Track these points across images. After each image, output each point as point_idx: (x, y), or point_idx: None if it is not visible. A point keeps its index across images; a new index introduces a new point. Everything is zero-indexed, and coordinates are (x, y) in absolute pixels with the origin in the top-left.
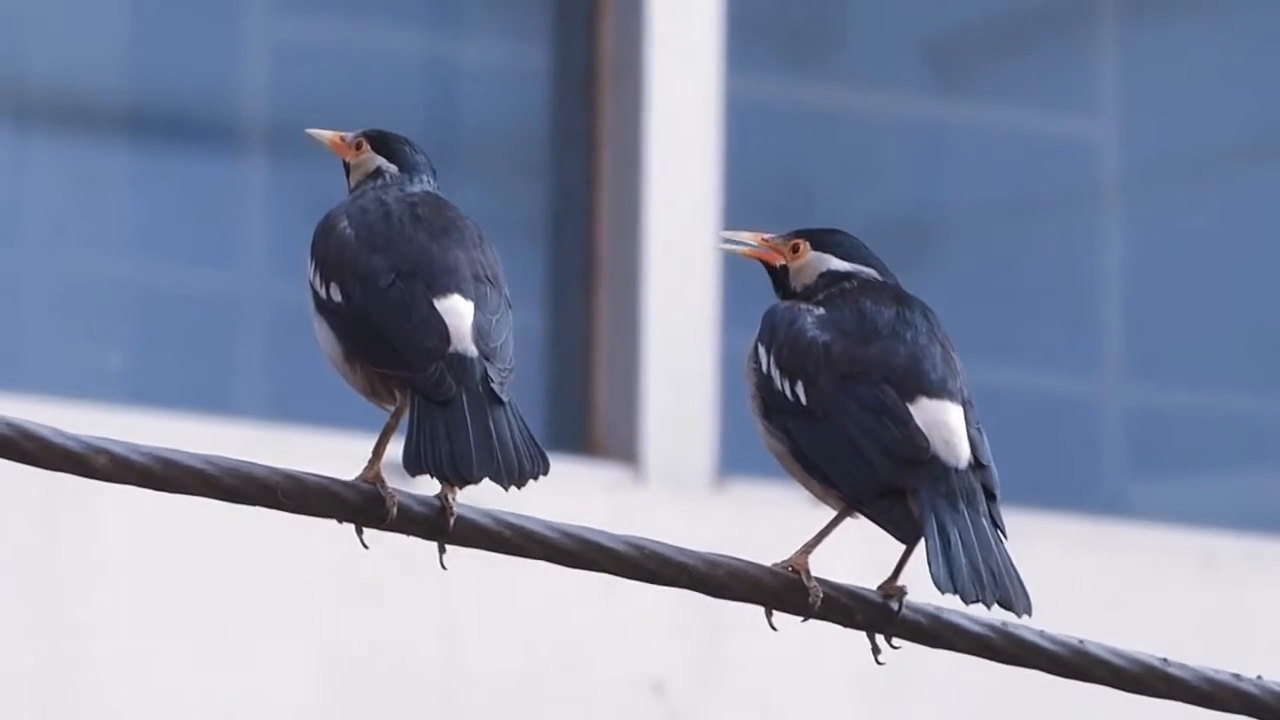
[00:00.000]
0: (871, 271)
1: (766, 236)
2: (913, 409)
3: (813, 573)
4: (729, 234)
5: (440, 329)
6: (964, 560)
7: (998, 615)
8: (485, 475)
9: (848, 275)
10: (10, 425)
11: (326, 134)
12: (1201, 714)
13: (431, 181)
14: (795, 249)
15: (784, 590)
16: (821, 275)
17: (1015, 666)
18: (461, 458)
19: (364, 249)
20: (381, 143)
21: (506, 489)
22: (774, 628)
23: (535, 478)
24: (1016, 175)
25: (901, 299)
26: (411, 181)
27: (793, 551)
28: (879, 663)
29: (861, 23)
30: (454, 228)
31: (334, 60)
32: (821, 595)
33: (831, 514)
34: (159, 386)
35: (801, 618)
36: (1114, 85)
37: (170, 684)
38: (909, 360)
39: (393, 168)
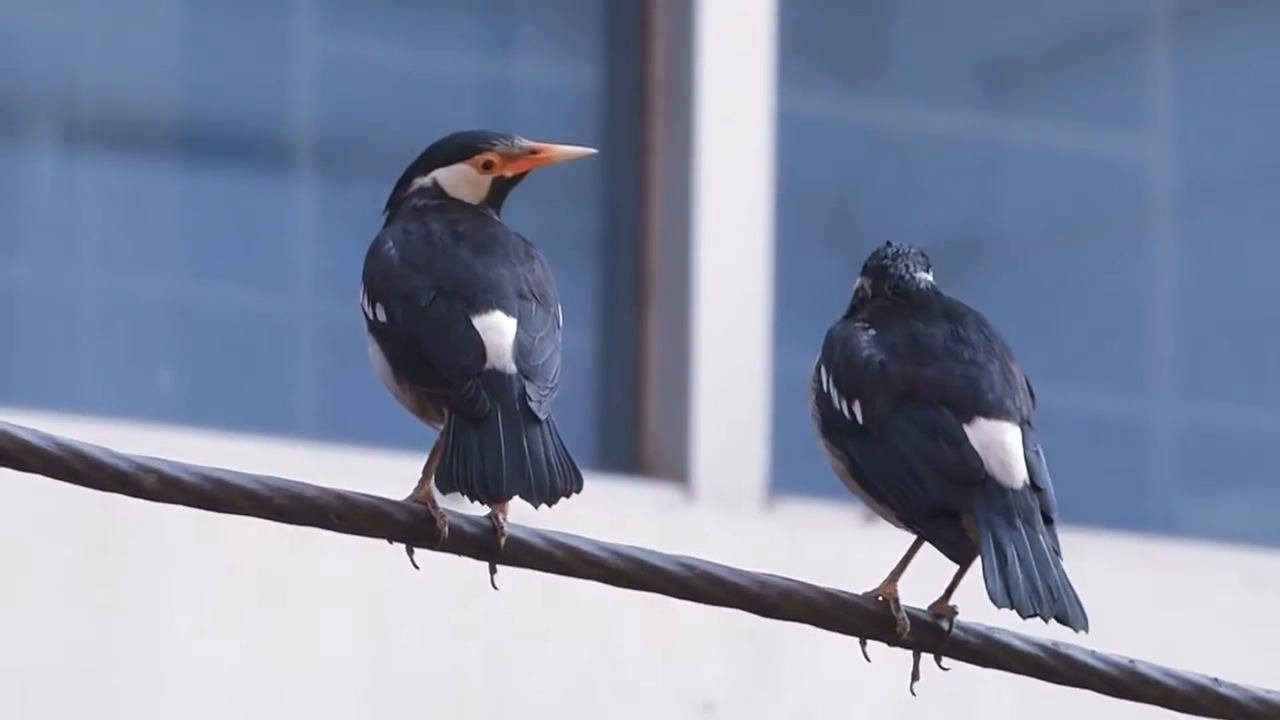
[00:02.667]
0: (866, 280)
1: None
2: (968, 429)
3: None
4: None
5: (477, 346)
6: (1020, 575)
7: (1048, 635)
8: (515, 493)
9: (860, 288)
10: (60, 445)
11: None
12: None
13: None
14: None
15: (836, 610)
16: (853, 293)
17: (1066, 686)
18: (492, 475)
19: (406, 269)
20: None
21: (536, 505)
22: (868, 658)
23: (568, 494)
24: (1068, 194)
25: (952, 315)
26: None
27: (880, 581)
28: (913, 693)
29: (913, 40)
30: (498, 244)
31: (384, 79)
32: (910, 626)
33: (907, 538)
34: (210, 407)
35: (888, 643)
36: (1165, 104)
37: (219, 704)
38: (965, 381)
39: (425, 181)
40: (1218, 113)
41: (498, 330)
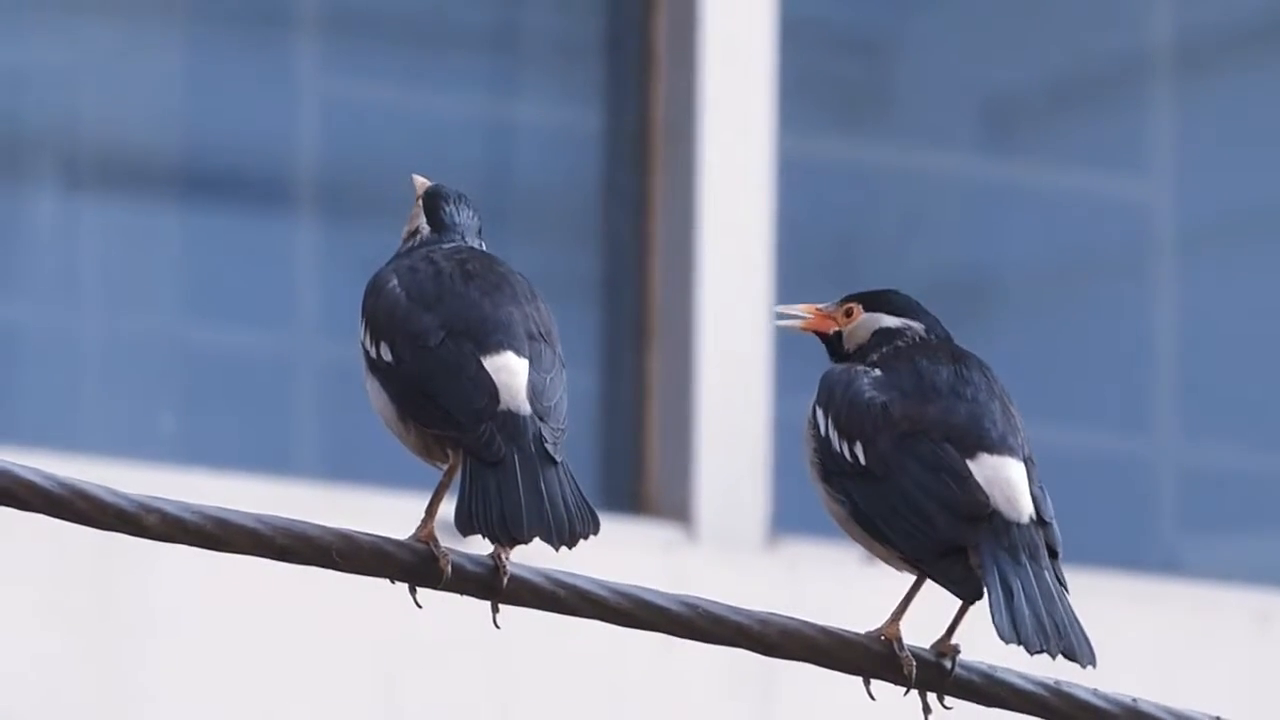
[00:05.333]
0: (919, 325)
1: (820, 307)
2: (972, 465)
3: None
4: (783, 309)
5: (490, 388)
6: (1027, 611)
7: (1051, 673)
8: (536, 535)
9: (900, 331)
10: (63, 485)
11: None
12: None
13: (473, 239)
14: (849, 313)
15: (838, 649)
16: (875, 334)
17: None
18: (512, 518)
19: (414, 308)
20: (426, 200)
21: (557, 549)
22: (872, 697)
23: (586, 537)
24: (1070, 236)
25: (957, 356)
26: (444, 240)
27: (883, 621)
28: None
29: (915, 83)
30: (506, 284)
31: (386, 120)
32: (915, 665)
33: (908, 578)
34: (212, 446)
35: (905, 690)
36: (1168, 146)
37: None
38: (969, 418)
39: (425, 228)
40: (1220, 154)
41: (510, 371)
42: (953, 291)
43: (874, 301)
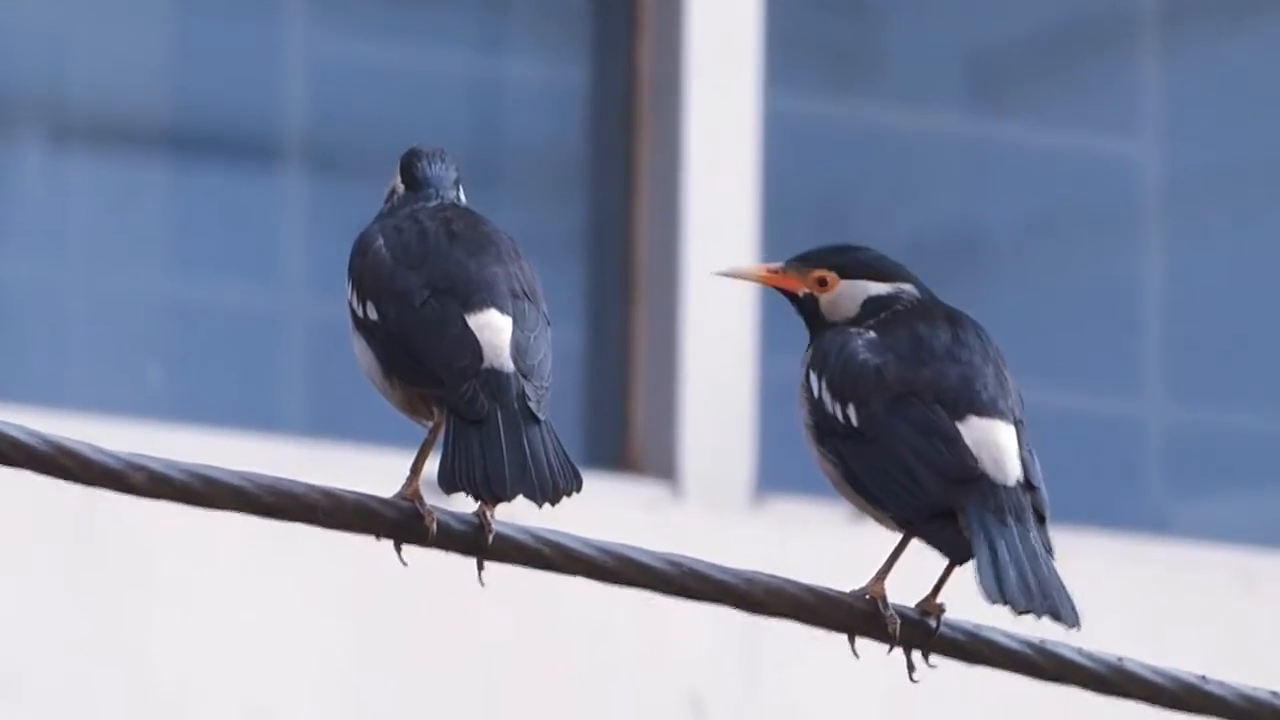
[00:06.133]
0: (911, 288)
1: (771, 266)
2: (962, 427)
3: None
4: (730, 270)
5: (474, 346)
6: (1013, 572)
7: (1036, 632)
8: (519, 492)
9: (894, 296)
10: (48, 442)
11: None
12: None
13: (449, 191)
14: (822, 282)
15: (823, 607)
16: (864, 304)
17: (1054, 684)
18: (495, 475)
19: (399, 267)
20: (404, 161)
21: (540, 506)
22: (856, 654)
23: (569, 494)
24: (1058, 194)
25: (953, 319)
26: (420, 197)
27: (868, 579)
28: (913, 680)
29: (903, 41)
30: (490, 243)
31: (373, 79)
32: (900, 623)
33: (894, 536)
34: (198, 403)
35: (889, 648)
36: (1156, 104)
37: (210, 700)
38: (960, 381)
39: (400, 187)
40: (1208, 111)
41: (493, 329)
42: (941, 250)
43: (849, 267)
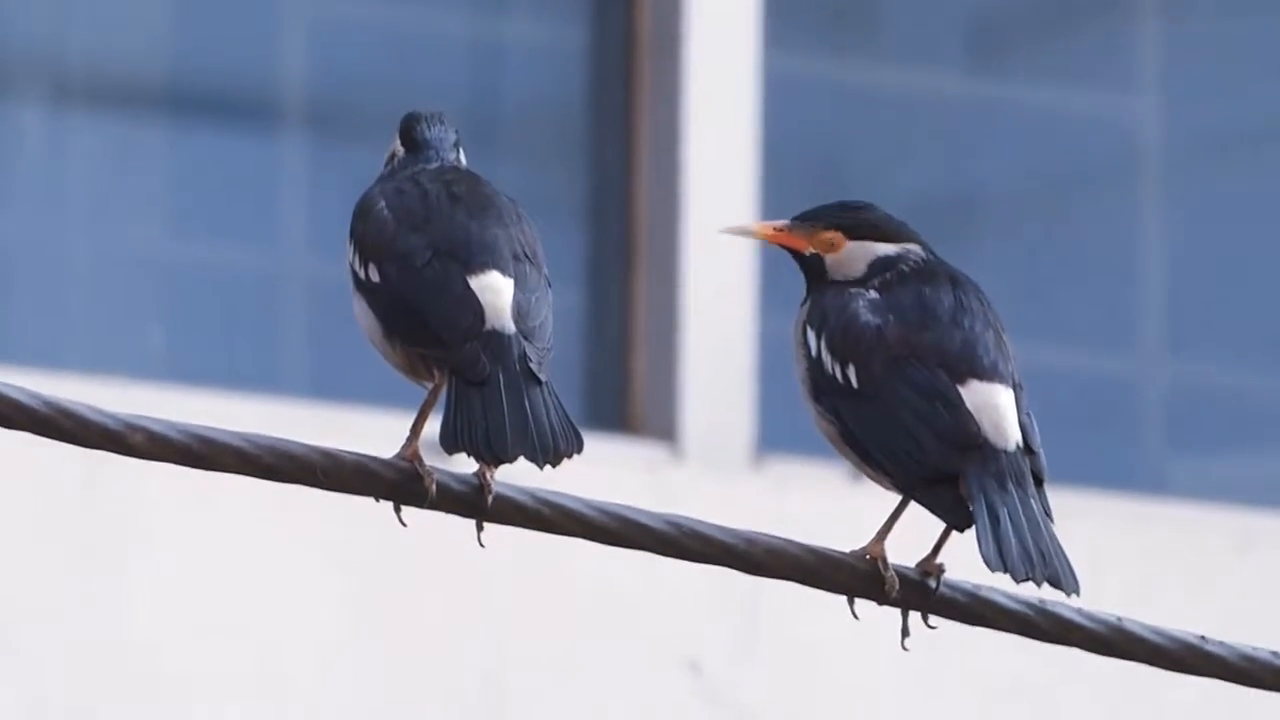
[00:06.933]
0: (917, 249)
1: (777, 225)
2: (963, 391)
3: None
4: (737, 227)
5: (475, 307)
6: (1013, 539)
7: (1036, 593)
8: (520, 454)
9: (901, 257)
10: (48, 403)
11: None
12: (1239, 691)
13: (449, 153)
14: (832, 244)
15: (823, 568)
16: (871, 264)
17: (1054, 644)
18: (496, 436)
19: (401, 229)
20: (404, 124)
21: (541, 467)
22: (856, 616)
23: (570, 456)
24: (1056, 153)
25: (956, 282)
26: (419, 159)
27: (868, 540)
28: (904, 648)
29: (901, 0)
30: (492, 205)
31: (372, 39)
32: (899, 584)
33: (894, 497)
34: (198, 364)
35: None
36: (1154, 63)
37: (208, 661)
38: (963, 345)
39: (401, 150)
40: (1207, 72)
41: (494, 290)
42: (939, 210)
43: (857, 228)
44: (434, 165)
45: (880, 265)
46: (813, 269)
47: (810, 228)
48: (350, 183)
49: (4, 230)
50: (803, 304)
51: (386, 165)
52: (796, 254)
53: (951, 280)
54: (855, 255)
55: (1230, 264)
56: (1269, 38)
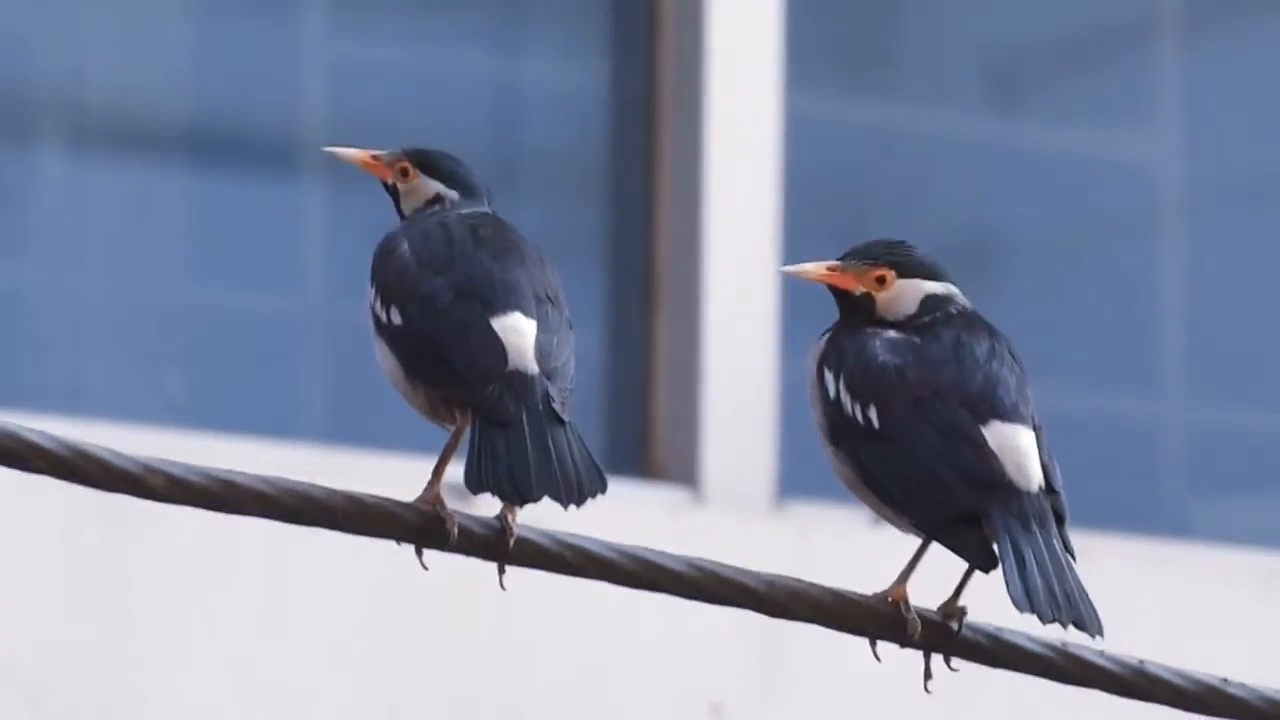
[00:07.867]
0: (958, 291)
1: (831, 265)
2: (986, 432)
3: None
4: (792, 269)
5: (498, 348)
6: (1039, 581)
7: (1058, 635)
8: (544, 494)
9: (948, 298)
10: (68, 447)
11: (353, 152)
12: None
13: (488, 202)
14: (881, 280)
15: (844, 611)
16: (923, 302)
17: (1076, 687)
18: (521, 477)
19: (425, 272)
20: (433, 167)
21: (566, 508)
22: (878, 658)
23: (594, 496)
24: (1076, 195)
25: (992, 332)
26: (470, 204)
27: (890, 583)
28: (927, 690)
29: (921, 41)
30: (515, 248)
31: (393, 82)
32: (921, 626)
33: (915, 540)
34: (218, 409)
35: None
36: (1174, 104)
37: (228, 705)
38: (984, 385)
39: (453, 194)
40: (1226, 113)
41: (517, 331)
42: (958, 251)
43: (906, 266)
44: (465, 210)
45: (931, 304)
46: (861, 308)
47: (860, 266)
48: (370, 226)
49: (24, 274)
50: (815, 343)
51: (428, 206)
52: (845, 293)
53: (989, 331)
54: (906, 293)
55: (1250, 306)
56: None
